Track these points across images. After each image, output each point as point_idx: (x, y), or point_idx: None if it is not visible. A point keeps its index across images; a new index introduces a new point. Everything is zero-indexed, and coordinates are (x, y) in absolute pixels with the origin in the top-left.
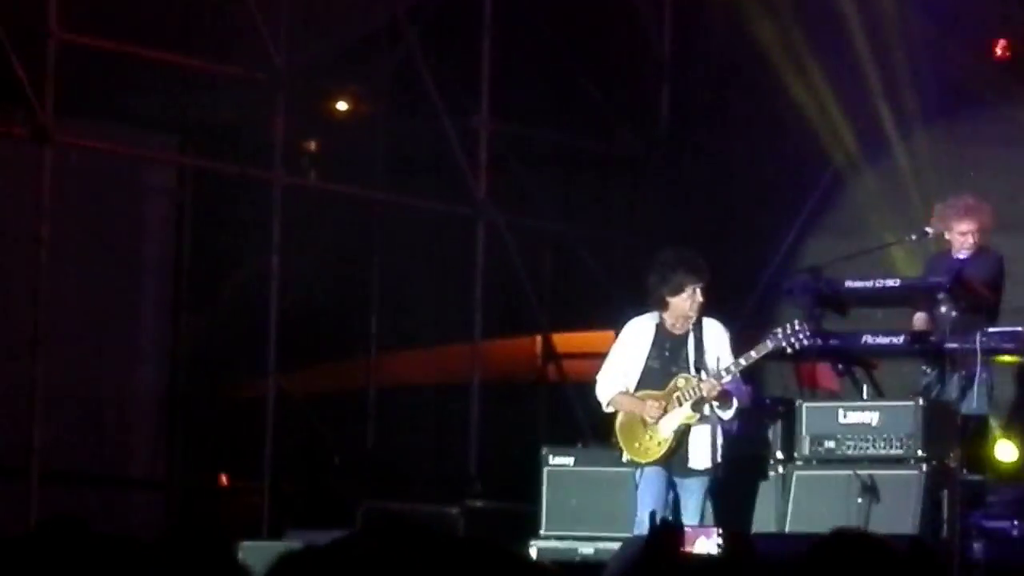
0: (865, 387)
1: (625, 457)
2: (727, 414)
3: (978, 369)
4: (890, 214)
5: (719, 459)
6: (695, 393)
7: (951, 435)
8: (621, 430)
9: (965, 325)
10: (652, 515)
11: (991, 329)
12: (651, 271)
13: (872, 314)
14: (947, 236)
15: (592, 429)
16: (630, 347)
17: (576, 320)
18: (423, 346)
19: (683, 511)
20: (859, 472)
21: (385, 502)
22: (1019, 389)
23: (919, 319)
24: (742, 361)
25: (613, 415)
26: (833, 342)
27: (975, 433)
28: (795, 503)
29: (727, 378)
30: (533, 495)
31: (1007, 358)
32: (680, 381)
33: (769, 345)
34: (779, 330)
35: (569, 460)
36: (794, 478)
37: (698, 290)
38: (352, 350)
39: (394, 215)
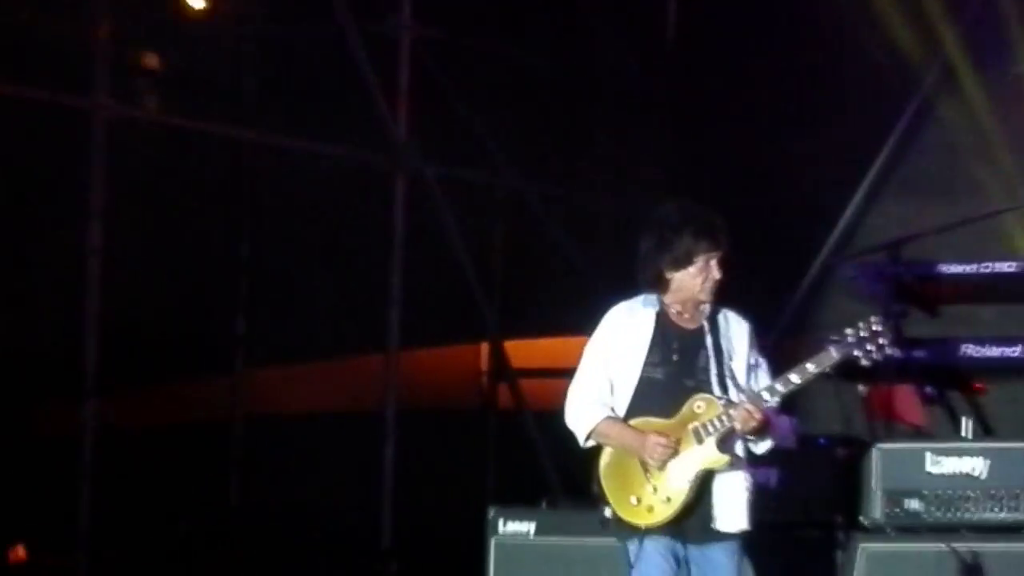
0: (966, 421)
1: (608, 516)
2: (761, 447)
3: None
4: (1007, 165)
5: (752, 518)
6: (723, 424)
7: None
8: (608, 477)
9: None
10: None
11: None
12: (644, 233)
13: (977, 313)
14: None
15: (563, 479)
16: (617, 346)
17: (540, 322)
18: (315, 359)
19: None
20: (957, 546)
21: None
22: None
23: None
24: (794, 378)
25: (594, 453)
26: (919, 354)
27: None
28: None
29: (771, 401)
30: None
31: None
32: (699, 404)
33: (834, 355)
34: (849, 333)
35: (527, 527)
36: (861, 553)
37: (713, 262)
38: (210, 364)
39: (272, 164)
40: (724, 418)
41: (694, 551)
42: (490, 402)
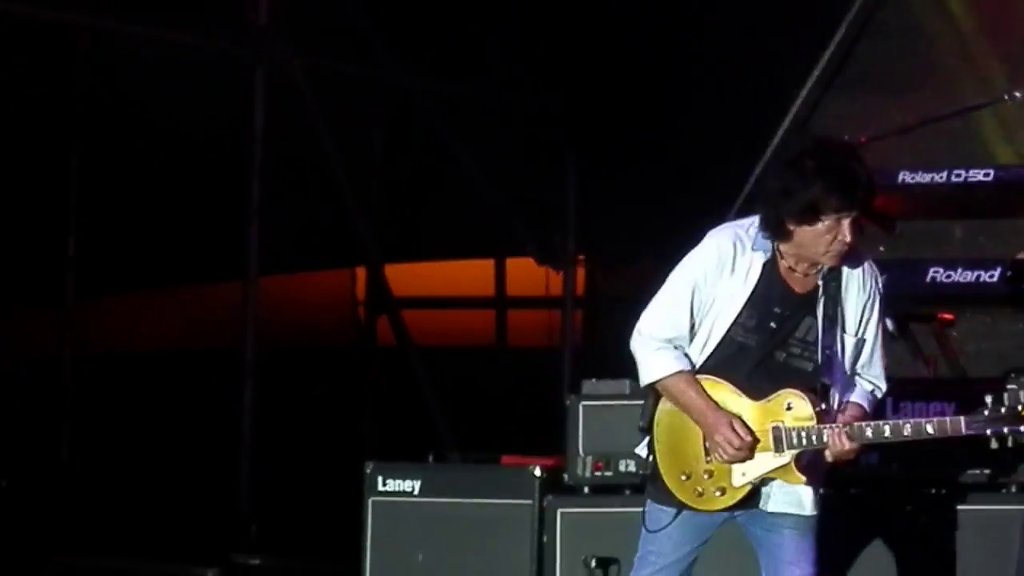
0: (935, 360)
1: (643, 448)
2: None
3: None
4: (981, 54)
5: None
6: (810, 441)
7: None
8: (663, 432)
9: None
10: None
11: None
12: (773, 171)
13: (947, 231)
14: None
15: (453, 428)
16: (711, 285)
17: (427, 243)
18: (160, 287)
19: (770, 558)
20: (920, 506)
21: (87, 556)
22: None
23: None
24: (906, 433)
25: (650, 397)
26: None
27: None
28: None
29: (871, 438)
30: (349, 545)
31: None
32: (791, 402)
33: (963, 430)
34: (988, 405)
35: (411, 485)
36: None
37: (846, 223)
38: (34, 295)
39: (107, 55)
40: (814, 436)
41: (747, 522)
42: (368, 337)
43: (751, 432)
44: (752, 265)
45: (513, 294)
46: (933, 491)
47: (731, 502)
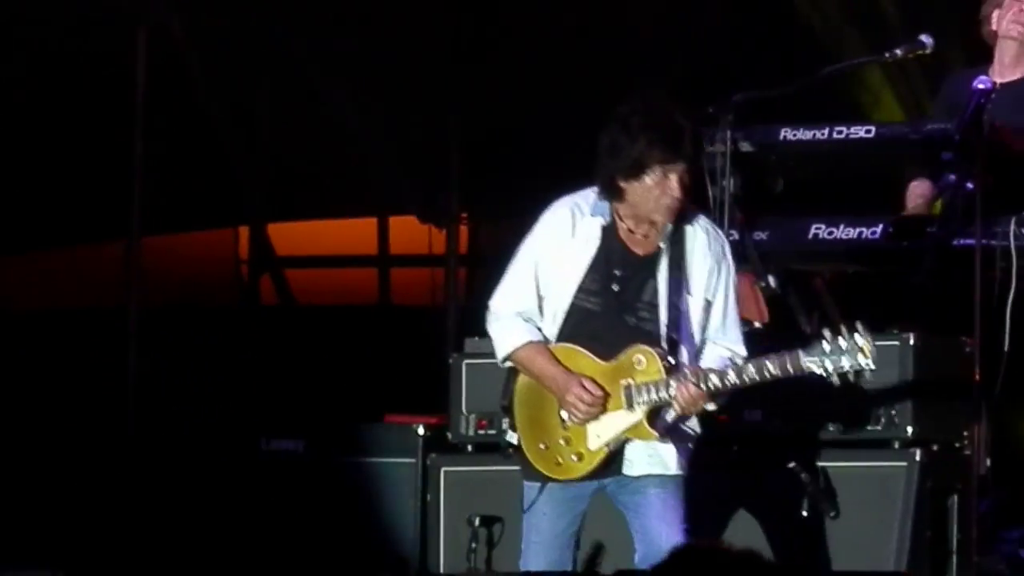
0: (814, 316)
1: (512, 443)
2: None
3: (1012, 282)
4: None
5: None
6: (659, 396)
7: (964, 398)
8: (521, 405)
9: (991, 205)
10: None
11: None
12: (604, 129)
13: (827, 189)
14: (991, 29)
15: (341, 387)
16: (551, 256)
17: (311, 201)
18: (38, 248)
19: (638, 519)
20: (799, 467)
21: None
22: None
23: (916, 193)
24: (751, 374)
25: (510, 374)
26: (760, 236)
27: (1010, 393)
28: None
29: (720, 388)
30: (237, 505)
31: None
32: (639, 358)
33: (803, 365)
34: (826, 340)
35: (297, 444)
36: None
37: (673, 176)
38: None
39: None
40: (663, 389)
41: (615, 488)
42: (251, 297)
43: (602, 389)
44: (591, 230)
45: (396, 252)
46: (816, 448)
47: (590, 467)
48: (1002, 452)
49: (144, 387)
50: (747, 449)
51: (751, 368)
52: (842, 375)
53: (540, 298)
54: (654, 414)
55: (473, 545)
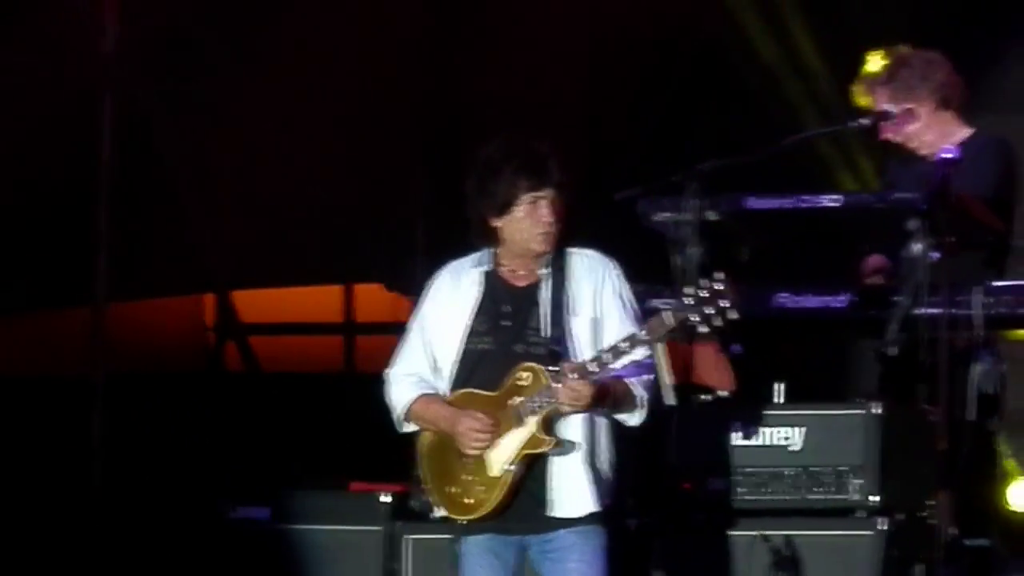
0: (780, 384)
1: (436, 511)
2: (633, 419)
3: (978, 350)
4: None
5: (610, 497)
6: (545, 400)
7: (929, 466)
8: (428, 461)
9: (956, 274)
10: None
11: (1001, 282)
12: (469, 177)
13: (794, 257)
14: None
15: (305, 454)
16: (437, 315)
17: (276, 269)
18: (4, 314)
19: None
20: (767, 533)
21: None
22: None
23: (872, 267)
24: (623, 346)
25: (416, 437)
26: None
27: (975, 462)
28: None
29: (600, 372)
30: (203, 573)
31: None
32: (523, 375)
33: (669, 322)
34: (687, 294)
35: (263, 512)
36: (657, 546)
37: (543, 203)
38: None
39: None
40: (548, 394)
41: (536, 540)
42: (216, 364)
43: (493, 416)
44: (473, 279)
45: (362, 320)
46: (782, 516)
47: (499, 495)
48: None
49: (109, 453)
50: (712, 516)
51: (623, 343)
52: (707, 321)
53: (433, 359)
54: (548, 423)
55: None
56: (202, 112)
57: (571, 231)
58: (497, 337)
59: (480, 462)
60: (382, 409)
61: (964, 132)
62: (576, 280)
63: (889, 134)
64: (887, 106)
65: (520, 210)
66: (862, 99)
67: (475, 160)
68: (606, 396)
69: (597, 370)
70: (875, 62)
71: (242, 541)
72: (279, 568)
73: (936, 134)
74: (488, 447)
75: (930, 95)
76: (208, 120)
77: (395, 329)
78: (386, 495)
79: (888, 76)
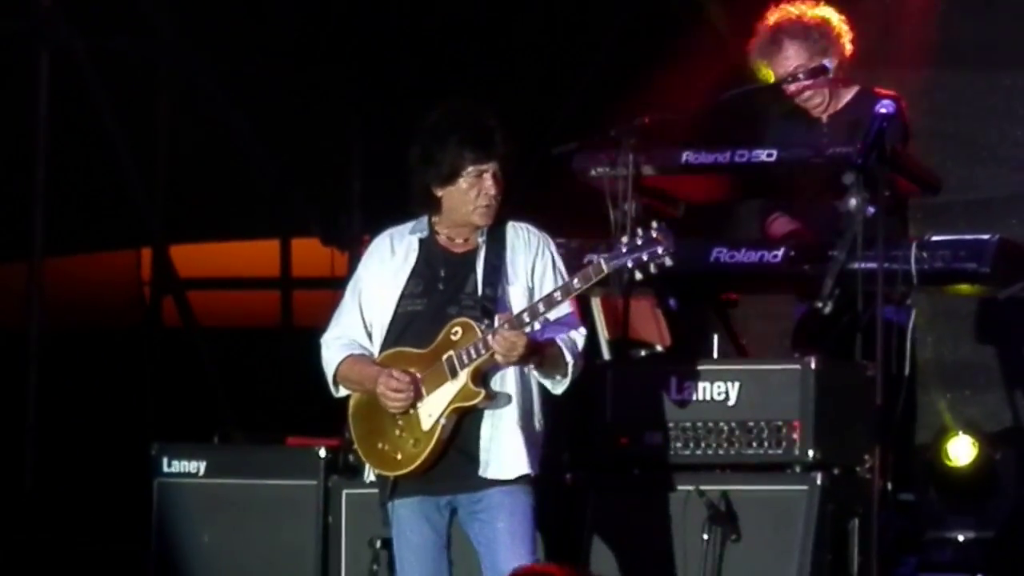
0: (715, 339)
1: (369, 473)
2: (559, 386)
3: (910, 306)
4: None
5: (542, 458)
6: (479, 352)
7: (866, 422)
8: (356, 420)
9: (888, 230)
10: None
11: (936, 237)
12: (413, 143)
13: (730, 211)
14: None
15: (239, 409)
16: (373, 279)
17: (212, 224)
18: None
19: (488, 554)
20: (704, 488)
21: None
22: (974, 340)
23: (778, 224)
24: (558, 296)
25: (348, 401)
26: None
27: (909, 418)
28: (592, 538)
29: (533, 324)
30: (135, 526)
31: (963, 287)
32: (456, 330)
33: (604, 268)
34: (623, 242)
35: (196, 466)
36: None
37: (487, 175)
38: None
39: None
40: (480, 345)
41: (465, 500)
42: (153, 318)
43: (417, 372)
44: (410, 245)
45: (298, 274)
46: (718, 471)
47: (428, 448)
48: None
49: (45, 408)
50: (648, 472)
51: (557, 293)
52: (643, 267)
53: (367, 323)
54: (480, 375)
55: (375, 567)
56: (137, 67)
57: (510, 189)
58: (431, 299)
59: (411, 417)
60: (319, 364)
61: (852, 90)
62: (512, 250)
63: (795, 90)
64: (798, 61)
65: (464, 181)
66: (759, 54)
67: (420, 127)
68: (538, 352)
69: (530, 320)
70: (785, 15)
71: (178, 495)
72: (215, 522)
73: (831, 92)
74: (412, 403)
75: (840, 52)
76: (143, 75)
77: (332, 284)
78: (323, 449)
79: (804, 31)
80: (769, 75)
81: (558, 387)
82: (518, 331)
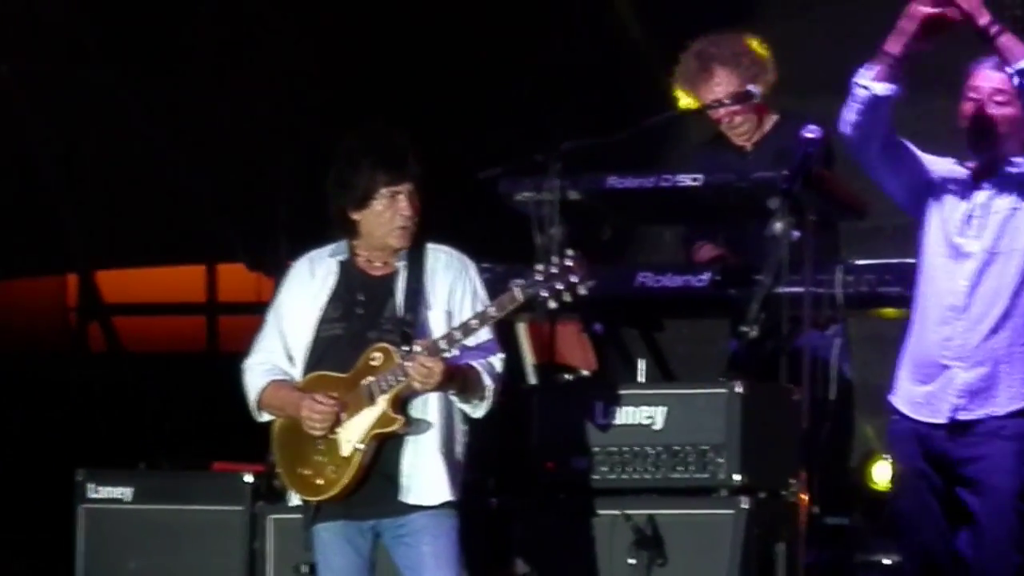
0: (641, 363)
1: (292, 497)
2: (478, 410)
3: (840, 329)
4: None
5: (464, 483)
6: (397, 380)
7: (792, 446)
8: (278, 449)
9: (816, 253)
10: None
11: (861, 261)
12: (331, 168)
13: (656, 236)
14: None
15: (167, 435)
16: (292, 304)
17: (139, 248)
18: None
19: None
20: (630, 512)
21: None
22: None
23: (704, 251)
24: (473, 324)
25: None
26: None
27: (836, 441)
28: (517, 562)
29: (450, 350)
30: (61, 553)
31: (889, 311)
32: (376, 355)
33: (518, 297)
34: (537, 270)
35: (123, 492)
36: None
37: (401, 197)
38: None
39: None
40: (399, 373)
41: (388, 524)
42: (79, 344)
43: (339, 396)
44: (329, 268)
45: (224, 300)
46: (644, 495)
47: (349, 474)
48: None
49: None
50: (574, 496)
51: (474, 320)
52: (557, 296)
53: (288, 348)
54: (398, 402)
55: None
56: (64, 90)
57: (433, 214)
58: (350, 324)
59: (332, 443)
60: (241, 386)
61: (773, 117)
62: (432, 274)
63: (726, 117)
64: (729, 88)
65: (379, 203)
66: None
67: (336, 152)
68: (456, 377)
69: (447, 347)
70: (713, 42)
71: (104, 521)
72: (142, 548)
73: (757, 119)
74: (334, 428)
75: (766, 79)
76: (70, 98)
77: (258, 309)
78: (249, 475)
79: (734, 58)
80: (692, 103)
81: (477, 411)
82: (435, 358)
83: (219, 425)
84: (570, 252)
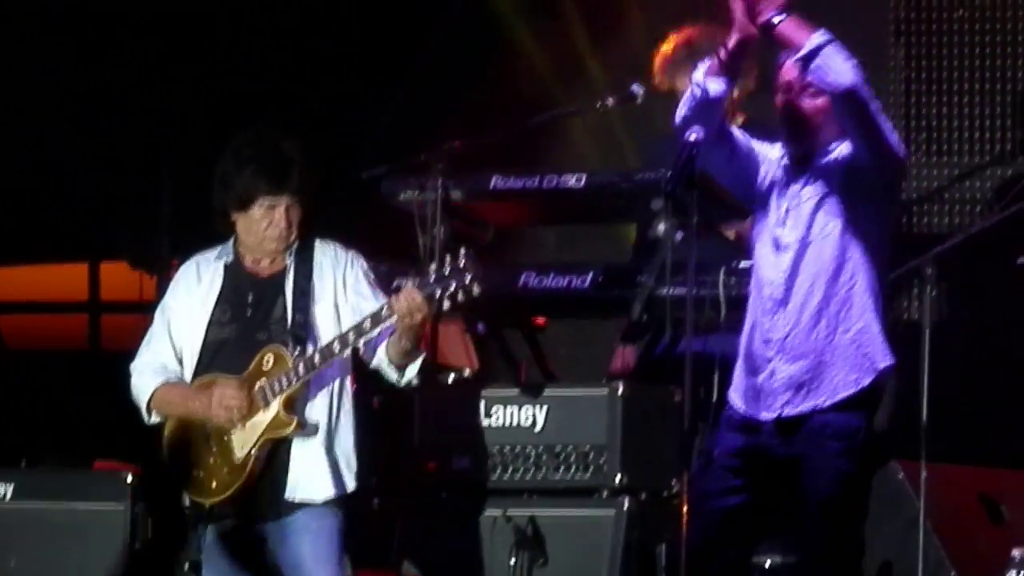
0: (523, 363)
1: (184, 498)
2: (408, 374)
3: (719, 331)
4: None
5: (350, 481)
6: (289, 382)
7: (674, 447)
8: (170, 450)
9: (701, 255)
10: None
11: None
12: (220, 160)
13: (539, 236)
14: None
15: (48, 432)
16: (180, 307)
17: (21, 246)
18: None
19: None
20: (511, 513)
21: None
22: None
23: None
24: (366, 325)
25: (163, 428)
26: None
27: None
28: (401, 562)
29: (342, 354)
30: None
31: None
32: (268, 358)
33: (419, 295)
34: (431, 271)
35: (3, 490)
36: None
37: (280, 209)
38: None
39: None
40: (292, 375)
41: (272, 528)
42: None
43: (239, 392)
44: (216, 271)
45: (107, 298)
46: (525, 496)
47: (242, 477)
48: None
49: None
50: (456, 497)
51: (366, 322)
52: (452, 296)
53: (177, 350)
54: (291, 404)
55: None
56: None
57: (318, 211)
58: (240, 326)
59: (226, 446)
60: (127, 387)
61: (740, 117)
62: (320, 268)
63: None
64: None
65: (257, 211)
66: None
67: (224, 149)
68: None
69: (338, 350)
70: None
71: None
72: (22, 546)
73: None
74: (236, 426)
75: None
76: None
77: (141, 307)
78: (130, 474)
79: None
80: (664, 84)
81: (407, 374)
82: (327, 361)
83: (101, 424)
84: (463, 252)
